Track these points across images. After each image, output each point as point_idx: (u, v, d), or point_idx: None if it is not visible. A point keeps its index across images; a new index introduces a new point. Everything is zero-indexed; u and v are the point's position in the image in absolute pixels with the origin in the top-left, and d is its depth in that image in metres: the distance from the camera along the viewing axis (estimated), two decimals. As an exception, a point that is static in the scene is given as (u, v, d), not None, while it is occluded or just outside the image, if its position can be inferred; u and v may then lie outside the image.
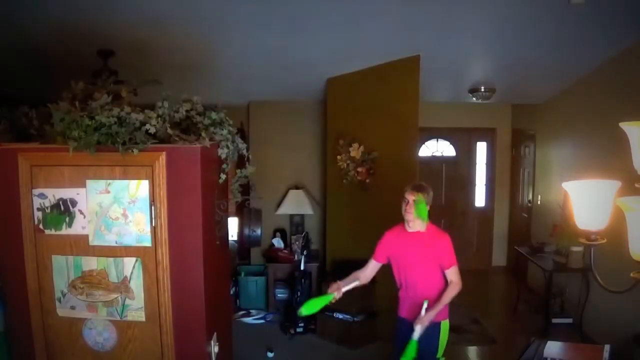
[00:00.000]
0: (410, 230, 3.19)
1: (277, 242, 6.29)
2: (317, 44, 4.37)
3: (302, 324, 5.28)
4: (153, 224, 2.00)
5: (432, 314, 3.04)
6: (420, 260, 3.17)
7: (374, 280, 3.43)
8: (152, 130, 1.96)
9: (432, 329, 3.14)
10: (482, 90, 5.70)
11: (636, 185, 1.48)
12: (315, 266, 5.82)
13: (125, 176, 2.00)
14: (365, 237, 5.10)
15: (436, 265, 3.16)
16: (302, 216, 6.28)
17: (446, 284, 3.19)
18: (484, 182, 7.59)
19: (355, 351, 4.95)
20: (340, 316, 5.03)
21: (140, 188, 1.99)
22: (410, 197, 3.11)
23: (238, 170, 2.38)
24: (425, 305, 3.05)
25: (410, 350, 2.94)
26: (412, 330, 3.06)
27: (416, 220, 3.15)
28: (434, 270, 3.17)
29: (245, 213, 5.82)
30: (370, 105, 5.13)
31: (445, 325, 3.23)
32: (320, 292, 5.42)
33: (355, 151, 5.15)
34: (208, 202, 2.12)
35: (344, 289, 3.05)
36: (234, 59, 4.72)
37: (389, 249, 3.28)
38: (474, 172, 7.60)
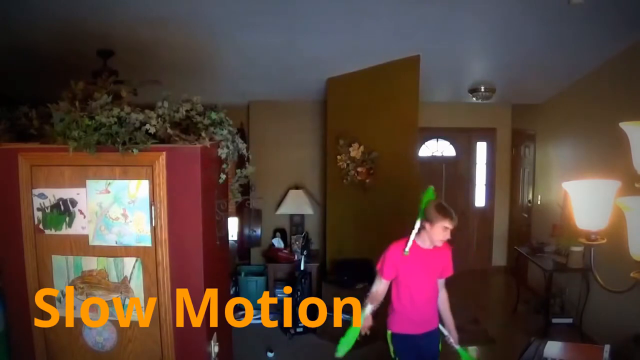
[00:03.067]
0: (424, 247, 3.05)
1: (277, 242, 6.29)
2: (318, 44, 4.37)
3: (302, 324, 5.28)
4: (153, 224, 2.00)
5: (453, 331, 3.24)
6: (431, 274, 3.12)
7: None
8: (152, 130, 1.96)
9: (434, 335, 3.20)
10: (482, 90, 5.70)
11: (636, 185, 1.48)
12: (315, 266, 5.82)
13: (125, 176, 2.00)
14: (365, 237, 5.14)
15: (438, 276, 3.17)
16: (302, 216, 6.28)
17: None
18: (484, 182, 7.59)
19: (356, 351, 4.93)
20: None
21: (140, 188, 1.99)
22: (453, 226, 2.97)
23: (238, 170, 2.38)
24: (440, 327, 3.19)
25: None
26: (419, 342, 3.14)
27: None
28: (436, 282, 3.17)
29: (245, 213, 5.83)
30: (370, 105, 5.13)
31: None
32: (320, 292, 5.42)
33: (355, 151, 5.15)
34: (208, 202, 2.12)
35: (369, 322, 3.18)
36: (234, 59, 4.71)
37: (397, 265, 3.06)
38: (474, 172, 7.60)
